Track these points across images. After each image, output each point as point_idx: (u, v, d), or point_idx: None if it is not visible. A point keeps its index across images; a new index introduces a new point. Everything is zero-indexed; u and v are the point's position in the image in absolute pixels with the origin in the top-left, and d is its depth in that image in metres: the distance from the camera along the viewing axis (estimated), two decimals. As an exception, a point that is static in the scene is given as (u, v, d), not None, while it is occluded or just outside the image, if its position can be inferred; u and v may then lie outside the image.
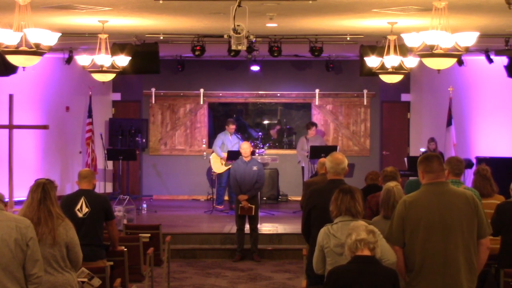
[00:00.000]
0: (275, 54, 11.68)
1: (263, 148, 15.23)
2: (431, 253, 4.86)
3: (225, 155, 13.68)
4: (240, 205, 10.54)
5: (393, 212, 5.64)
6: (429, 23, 7.39)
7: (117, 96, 16.18)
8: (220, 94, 16.21)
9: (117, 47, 10.65)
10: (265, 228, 11.73)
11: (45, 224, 4.98)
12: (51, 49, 7.47)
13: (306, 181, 9.19)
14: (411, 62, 10.08)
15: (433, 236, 4.86)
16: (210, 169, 14.49)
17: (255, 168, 10.72)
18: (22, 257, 4.34)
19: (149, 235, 8.08)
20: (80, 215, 6.59)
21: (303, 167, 14.31)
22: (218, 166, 13.95)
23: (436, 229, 4.86)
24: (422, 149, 14.34)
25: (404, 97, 16.11)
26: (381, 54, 10.25)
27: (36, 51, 7.23)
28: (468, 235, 4.85)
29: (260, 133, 15.81)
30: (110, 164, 15.10)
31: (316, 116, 15.92)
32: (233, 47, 8.40)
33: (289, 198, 15.42)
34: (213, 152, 14.08)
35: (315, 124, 14.75)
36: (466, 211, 4.87)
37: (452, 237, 4.83)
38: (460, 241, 4.83)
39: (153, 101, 16.00)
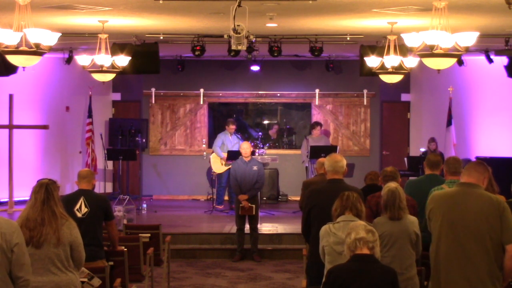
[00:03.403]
0: (275, 54, 11.68)
1: (263, 148, 15.24)
2: (449, 251, 4.90)
3: (225, 155, 13.68)
4: (240, 205, 10.54)
5: (399, 213, 5.71)
6: (429, 23, 7.40)
7: (117, 96, 16.17)
8: (220, 94, 16.21)
9: (117, 47, 10.65)
10: (265, 228, 11.73)
11: (49, 224, 4.97)
12: (51, 49, 7.47)
13: (305, 181, 9.19)
14: (411, 62, 10.08)
15: (452, 234, 4.89)
16: (210, 169, 14.49)
17: (255, 168, 10.72)
18: (7, 263, 4.27)
19: (149, 235, 8.07)
20: (79, 215, 6.59)
21: (307, 167, 14.30)
22: (218, 166, 13.95)
23: (456, 228, 4.88)
24: (422, 149, 14.35)
25: (404, 97, 16.10)
26: (381, 54, 10.25)
27: (36, 51, 7.23)
28: (489, 239, 4.80)
29: (260, 133, 15.82)
30: (110, 164, 15.09)
31: (316, 116, 15.92)
32: (233, 47, 8.40)
33: (289, 198, 15.42)
34: (213, 152, 14.08)
35: (319, 124, 14.75)
36: (490, 215, 4.82)
37: (471, 239, 4.83)
38: (480, 245, 4.81)
39: (153, 101, 16.00)
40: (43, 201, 5.02)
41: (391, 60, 9.88)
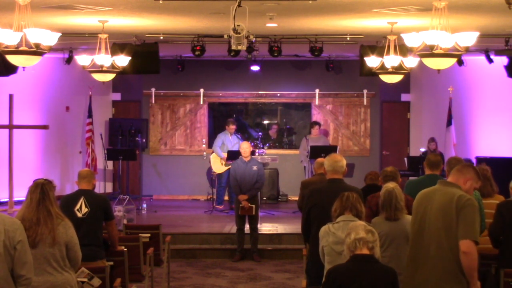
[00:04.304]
0: (275, 54, 11.68)
1: (263, 148, 15.24)
2: (413, 249, 4.98)
3: (225, 155, 13.68)
4: (240, 205, 10.54)
5: (396, 213, 5.73)
6: (429, 23, 7.40)
7: (117, 96, 16.18)
8: (220, 94, 16.21)
9: (117, 47, 10.65)
10: (265, 228, 11.73)
11: (44, 224, 4.96)
12: (51, 49, 7.47)
13: (303, 181, 9.20)
14: (411, 62, 10.08)
15: (418, 232, 4.94)
16: (210, 169, 14.49)
17: (255, 168, 10.72)
18: (10, 260, 4.29)
19: (149, 235, 8.07)
20: (79, 215, 6.59)
21: (305, 167, 14.32)
22: (218, 166, 13.95)
23: (421, 226, 4.92)
24: (422, 149, 14.35)
25: (404, 97, 16.11)
26: (381, 54, 10.25)
27: (36, 51, 7.23)
28: (445, 238, 4.77)
29: (260, 133, 15.82)
30: (110, 164, 15.09)
31: (316, 116, 15.92)
32: (233, 47, 8.40)
33: (289, 198, 15.42)
34: (213, 152, 14.08)
35: (318, 124, 14.76)
36: (447, 212, 4.79)
37: (431, 237, 4.85)
38: (437, 243, 4.80)
39: (153, 101, 16.00)
40: (38, 201, 5.01)
41: (391, 60, 9.88)
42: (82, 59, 10.22)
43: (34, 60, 7.41)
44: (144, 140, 15.30)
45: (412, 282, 4.84)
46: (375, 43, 11.42)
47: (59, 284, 4.97)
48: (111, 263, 6.70)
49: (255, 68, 15.43)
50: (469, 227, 4.70)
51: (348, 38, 11.50)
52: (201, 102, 16.02)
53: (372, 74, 10.71)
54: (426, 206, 4.94)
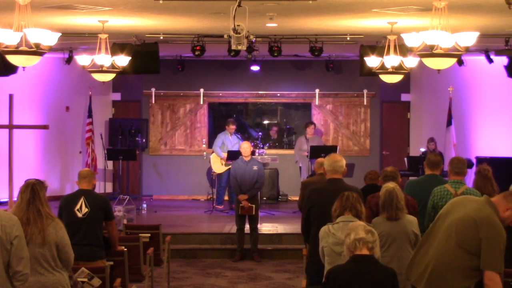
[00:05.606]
0: (275, 54, 11.68)
1: (263, 148, 15.24)
2: (421, 241, 5.00)
3: (225, 155, 13.68)
4: (240, 205, 10.54)
5: (396, 213, 5.70)
6: (429, 23, 7.40)
7: (117, 96, 16.18)
8: (220, 94, 16.21)
9: (117, 47, 10.65)
10: (265, 228, 11.73)
11: (34, 224, 4.95)
12: (51, 49, 7.47)
13: (304, 181, 9.20)
14: (411, 62, 10.08)
15: (431, 228, 4.86)
16: (210, 169, 14.49)
17: (255, 167, 10.72)
18: (6, 255, 4.31)
19: (149, 235, 8.08)
20: (79, 215, 6.59)
21: (300, 167, 14.32)
22: (218, 166, 13.95)
23: (439, 222, 4.80)
24: (422, 149, 14.35)
25: (404, 97, 16.11)
26: (381, 54, 10.25)
27: (36, 51, 7.23)
28: (453, 248, 4.60)
29: (260, 133, 15.82)
30: (110, 164, 15.10)
31: (316, 116, 15.92)
32: (233, 47, 8.40)
33: (289, 198, 15.42)
34: (213, 152, 14.08)
35: (313, 123, 14.77)
36: (465, 227, 4.60)
37: (438, 235, 4.72)
38: (435, 249, 4.68)
39: (153, 101, 16.00)
40: (28, 201, 5.01)
41: (391, 60, 9.88)
42: (82, 59, 10.22)
43: (34, 60, 7.42)
44: (144, 140, 15.30)
45: (409, 272, 4.81)
46: (375, 43, 11.42)
47: (50, 284, 4.96)
48: (111, 263, 6.70)
49: (255, 68, 15.44)
50: (490, 256, 4.53)
51: (348, 38, 11.50)
52: (201, 102, 16.02)
53: (372, 74, 10.71)
54: (455, 209, 4.74)
